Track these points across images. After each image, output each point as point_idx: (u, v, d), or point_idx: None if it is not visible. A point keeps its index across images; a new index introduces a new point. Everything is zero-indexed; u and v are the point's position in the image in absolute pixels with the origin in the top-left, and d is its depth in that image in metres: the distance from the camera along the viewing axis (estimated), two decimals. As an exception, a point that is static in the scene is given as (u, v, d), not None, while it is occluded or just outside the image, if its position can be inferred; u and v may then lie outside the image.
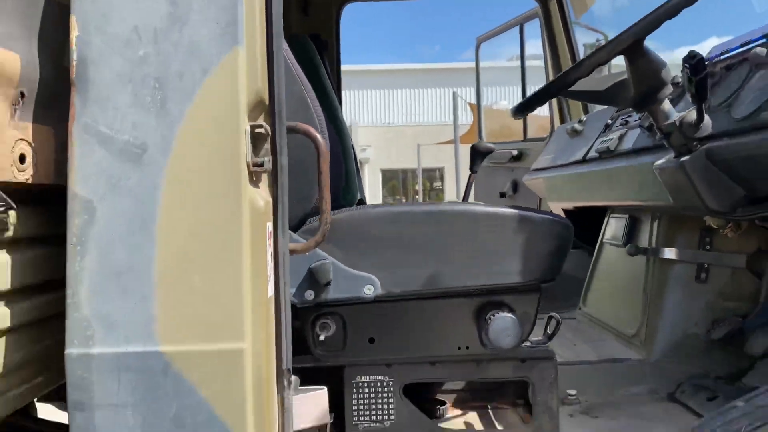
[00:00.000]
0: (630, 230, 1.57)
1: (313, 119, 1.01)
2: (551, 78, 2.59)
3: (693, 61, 0.97)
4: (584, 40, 2.80)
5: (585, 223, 1.99)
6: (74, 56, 0.74)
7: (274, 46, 0.80)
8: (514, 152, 2.82)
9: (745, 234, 1.29)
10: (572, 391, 1.30)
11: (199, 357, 0.73)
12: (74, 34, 0.74)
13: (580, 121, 2.07)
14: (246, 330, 0.73)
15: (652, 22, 1.04)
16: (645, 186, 1.35)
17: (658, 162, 1.22)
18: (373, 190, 18.25)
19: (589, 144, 1.76)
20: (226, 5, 0.75)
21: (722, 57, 1.26)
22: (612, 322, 1.58)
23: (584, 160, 1.73)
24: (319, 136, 0.86)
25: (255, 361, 0.74)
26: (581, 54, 2.43)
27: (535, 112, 2.52)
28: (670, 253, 1.42)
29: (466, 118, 15.41)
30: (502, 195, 2.87)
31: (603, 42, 2.49)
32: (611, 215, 1.75)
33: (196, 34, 0.74)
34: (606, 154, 1.57)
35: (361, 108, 20.80)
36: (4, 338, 0.75)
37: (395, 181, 20.66)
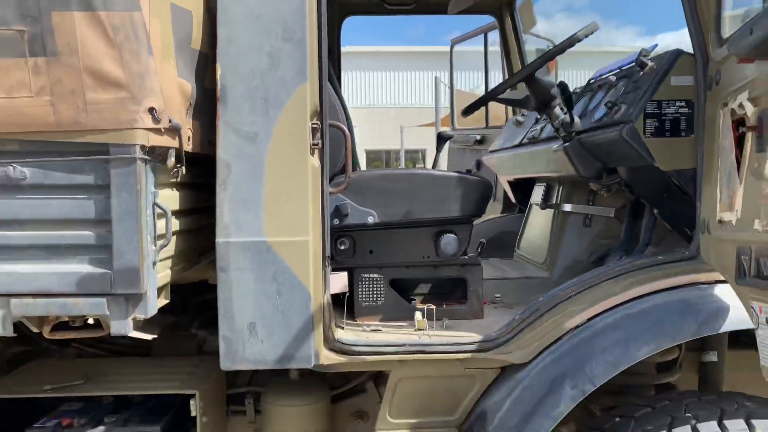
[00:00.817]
0: (545, 193, 2.27)
1: (341, 117, 1.68)
2: (507, 77, 3.26)
3: (561, 87, 1.66)
4: (538, 45, 3.48)
5: (527, 192, 2.69)
6: (218, 85, 1.39)
7: (323, 80, 1.46)
8: (478, 137, 3.49)
9: (614, 195, 1.97)
10: (498, 295, 1.99)
11: (286, 243, 1.40)
12: (218, 72, 1.39)
13: (522, 114, 2.76)
14: (309, 230, 1.41)
15: (541, 60, 1.72)
16: (550, 162, 2.04)
17: (554, 146, 1.92)
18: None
19: (524, 132, 2.45)
20: (299, 58, 1.40)
21: (596, 78, 1.96)
22: (531, 256, 2.29)
23: (520, 144, 2.42)
24: (346, 129, 1.54)
25: (313, 247, 1.42)
26: (528, 60, 3.10)
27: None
28: (567, 208, 2.11)
29: (448, 101, 16.03)
30: (468, 171, 3.56)
31: (550, 47, 3.16)
32: (536, 184, 2.45)
33: (284, 74, 1.40)
34: (532, 141, 2.26)
35: (346, 89, 21.24)
36: (176, 236, 1.41)
37: (379, 161, 21.31)
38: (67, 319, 1.25)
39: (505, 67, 3.22)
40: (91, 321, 1.30)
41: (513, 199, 2.82)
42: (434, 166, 2.62)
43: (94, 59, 1.10)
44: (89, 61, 1.10)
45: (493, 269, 2.27)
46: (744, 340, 1.62)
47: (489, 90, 2.23)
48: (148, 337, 1.91)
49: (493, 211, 3.14)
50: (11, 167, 1.13)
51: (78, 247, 1.18)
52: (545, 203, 2.22)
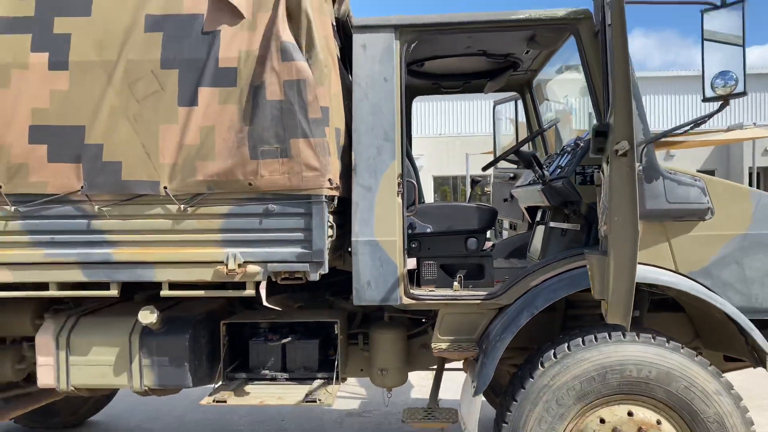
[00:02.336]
0: (542, 215, 3.58)
1: (412, 173, 3.09)
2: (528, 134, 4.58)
3: (534, 157, 3.00)
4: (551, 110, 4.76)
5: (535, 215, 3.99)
6: (354, 162, 2.81)
7: (404, 158, 2.86)
8: (512, 174, 4.81)
9: (576, 217, 3.26)
10: (507, 276, 3.31)
11: (385, 241, 2.78)
12: (353, 156, 2.81)
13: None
14: (396, 234, 2.79)
15: (522, 142, 3.08)
16: (537, 196, 3.36)
17: (538, 187, 3.25)
18: (426, 194, 20.37)
19: (530, 177, 3.77)
20: (392, 148, 2.80)
21: (566, 145, 3.27)
22: (533, 256, 3.60)
23: (528, 184, 3.75)
24: (415, 183, 2.94)
25: (398, 243, 2.80)
26: (543, 121, 4.40)
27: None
28: (552, 224, 3.41)
29: (509, 128, 17.30)
30: (505, 200, 4.87)
31: (568, 108, 4.47)
32: (539, 209, 3.76)
33: (384, 157, 2.80)
34: (531, 183, 3.58)
35: (417, 119, 22.87)
36: (330, 235, 2.83)
37: (446, 186, 22.69)
38: (281, 281, 2.68)
39: (528, 127, 4.54)
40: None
41: (529, 220, 4.13)
42: (469, 199, 3.98)
43: (306, 158, 2.55)
44: (304, 159, 2.55)
45: (509, 264, 3.59)
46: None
47: (502, 152, 3.60)
48: (278, 308, 3.29)
49: (522, 228, 4.45)
50: (270, 205, 2.59)
51: (297, 241, 2.62)
52: (541, 222, 3.54)
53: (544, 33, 3.07)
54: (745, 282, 2.75)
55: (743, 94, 2.30)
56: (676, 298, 2.95)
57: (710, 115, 2.42)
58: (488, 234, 3.76)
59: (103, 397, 4.69)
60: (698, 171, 3.04)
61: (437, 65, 3.76)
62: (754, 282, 2.74)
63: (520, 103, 4.63)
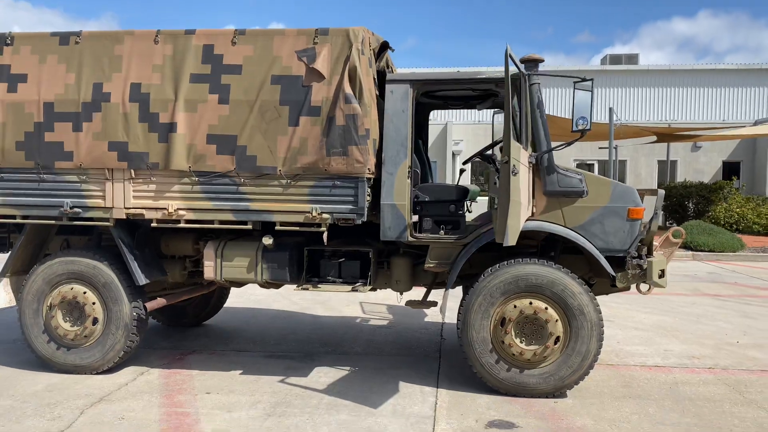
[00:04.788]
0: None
1: (425, 165, 5.19)
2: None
3: (488, 157, 5.05)
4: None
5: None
6: (384, 156, 4.92)
7: (412, 155, 4.95)
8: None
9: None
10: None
11: (400, 204, 4.89)
12: (383, 154, 4.92)
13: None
14: (406, 199, 4.90)
15: (484, 149, 5.13)
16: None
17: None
18: (463, 178, 22.30)
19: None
20: (406, 150, 4.90)
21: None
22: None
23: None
24: (419, 172, 5.04)
25: (408, 206, 4.91)
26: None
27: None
28: (494, 195, 5.45)
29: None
30: (494, 183, 6.89)
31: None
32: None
33: (403, 154, 4.90)
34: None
35: (453, 112, 24.76)
36: (368, 199, 4.96)
37: (487, 168, 24.57)
38: (341, 223, 4.82)
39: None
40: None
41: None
42: (457, 182, 6.05)
43: (356, 157, 4.66)
44: (355, 157, 4.66)
45: (475, 221, 5.65)
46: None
47: (478, 151, 5.64)
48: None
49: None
50: (336, 182, 4.74)
51: (349, 201, 4.73)
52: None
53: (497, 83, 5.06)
54: (605, 234, 4.77)
55: (589, 129, 4.33)
56: (573, 245, 4.97)
57: (572, 142, 4.47)
58: (469, 204, 5.77)
59: (213, 308, 7.03)
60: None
61: (444, 93, 5.80)
62: (609, 234, 4.76)
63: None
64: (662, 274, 4.69)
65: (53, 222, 5.14)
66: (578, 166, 22.11)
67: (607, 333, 6.74)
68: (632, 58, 28.38)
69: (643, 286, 4.96)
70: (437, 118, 22.85)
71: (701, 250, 14.35)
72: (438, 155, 22.44)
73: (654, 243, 4.97)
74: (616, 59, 29.48)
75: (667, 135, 17.53)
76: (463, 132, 23.17)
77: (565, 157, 21.81)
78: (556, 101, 26.72)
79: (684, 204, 18.52)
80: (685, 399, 4.73)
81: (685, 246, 14.46)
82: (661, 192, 4.83)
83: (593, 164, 22.01)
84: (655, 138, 17.84)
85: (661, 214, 4.82)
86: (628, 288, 5.07)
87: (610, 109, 16.06)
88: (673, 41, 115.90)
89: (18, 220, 5.19)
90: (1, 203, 5.11)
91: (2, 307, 5.61)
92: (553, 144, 4.86)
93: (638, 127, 17.14)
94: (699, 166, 23.11)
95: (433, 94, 5.84)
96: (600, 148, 19.98)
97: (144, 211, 4.97)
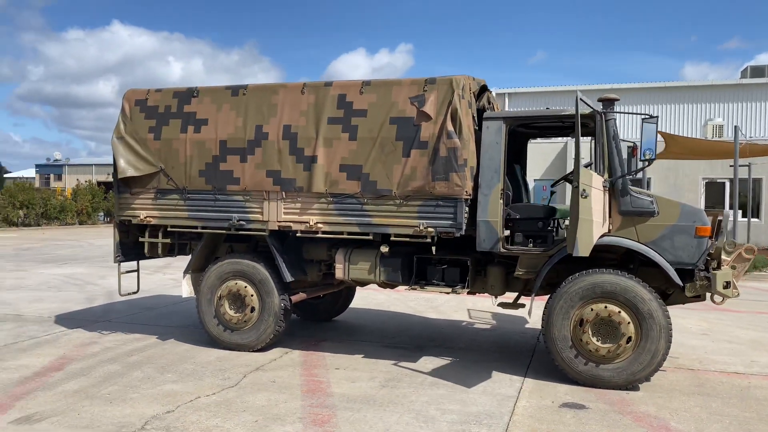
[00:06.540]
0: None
1: (519, 187, 6.17)
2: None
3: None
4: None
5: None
6: (480, 181, 5.93)
7: (504, 177, 5.92)
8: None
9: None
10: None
11: (494, 221, 5.88)
12: (480, 179, 5.94)
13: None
14: (498, 217, 5.87)
15: (566, 175, 5.98)
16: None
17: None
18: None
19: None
20: (499, 175, 5.88)
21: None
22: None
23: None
24: (510, 194, 6.01)
25: (501, 222, 5.87)
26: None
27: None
28: (591, 217, 6.22)
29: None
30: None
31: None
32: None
33: (496, 179, 5.89)
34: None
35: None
36: (465, 216, 6.00)
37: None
38: (443, 236, 5.89)
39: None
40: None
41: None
42: (548, 202, 6.89)
43: (456, 182, 5.73)
44: (455, 182, 5.72)
45: (562, 236, 6.45)
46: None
47: (563, 175, 6.45)
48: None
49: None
50: (439, 202, 5.83)
51: (450, 218, 5.80)
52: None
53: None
54: (674, 249, 5.43)
55: (654, 159, 5.08)
56: (648, 258, 5.66)
57: (640, 169, 5.22)
58: (563, 222, 6.60)
59: (342, 307, 8.37)
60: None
61: (539, 125, 6.70)
62: (678, 249, 5.42)
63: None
64: (727, 285, 5.26)
65: (224, 231, 6.70)
66: (707, 184, 21.40)
67: (697, 344, 7.22)
68: (777, 69, 26.80)
69: (717, 298, 5.53)
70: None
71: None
72: (560, 173, 22.72)
73: (726, 258, 5.54)
74: (758, 71, 27.93)
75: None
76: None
77: (693, 175, 21.24)
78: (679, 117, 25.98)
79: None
80: (752, 399, 5.24)
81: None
82: (728, 212, 5.40)
83: (724, 182, 21.18)
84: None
85: (727, 232, 5.39)
86: (699, 297, 5.65)
87: (736, 128, 15.73)
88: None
89: (199, 230, 6.81)
90: (189, 216, 6.76)
91: (186, 297, 7.26)
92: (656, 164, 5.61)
93: (767, 145, 16.53)
94: None
95: (530, 126, 6.77)
96: (731, 166, 19.31)
97: (291, 224, 6.37)
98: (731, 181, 22.14)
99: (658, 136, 5.13)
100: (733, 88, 27.35)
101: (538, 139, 8.19)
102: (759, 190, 21.73)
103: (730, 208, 16.77)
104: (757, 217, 21.10)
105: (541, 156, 22.51)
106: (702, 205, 20.77)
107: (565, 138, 24.39)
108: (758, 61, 43.00)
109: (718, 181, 22.17)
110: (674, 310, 8.90)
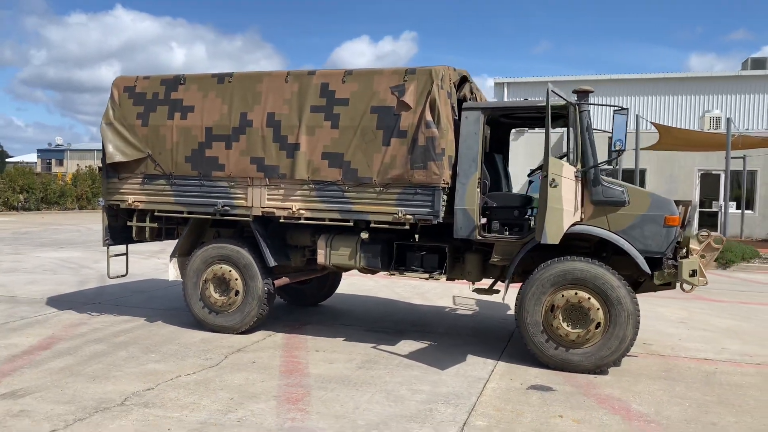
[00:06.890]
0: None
1: (497, 179, 6.30)
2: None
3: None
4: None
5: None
6: (458, 170, 6.08)
7: (482, 168, 6.06)
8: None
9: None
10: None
11: (471, 209, 6.02)
12: (458, 167, 6.08)
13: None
14: (475, 205, 6.01)
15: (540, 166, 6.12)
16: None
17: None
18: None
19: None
20: (476, 165, 6.02)
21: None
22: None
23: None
24: (486, 182, 6.15)
25: (477, 210, 6.02)
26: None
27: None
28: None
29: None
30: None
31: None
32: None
33: (473, 168, 6.03)
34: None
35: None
36: (443, 204, 6.15)
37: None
38: (421, 223, 6.04)
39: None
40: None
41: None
42: (526, 192, 7.02)
43: (434, 170, 5.86)
44: (433, 171, 5.85)
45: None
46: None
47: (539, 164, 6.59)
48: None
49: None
50: (417, 190, 5.96)
51: (427, 206, 5.93)
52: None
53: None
54: (644, 237, 5.57)
55: (624, 150, 5.20)
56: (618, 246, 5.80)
57: (611, 160, 5.35)
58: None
59: (327, 292, 8.54)
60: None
61: (521, 115, 6.82)
62: (647, 238, 5.56)
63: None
64: (693, 274, 5.41)
65: (209, 216, 6.85)
66: (703, 175, 21.48)
67: (672, 331, 7.38)
68: (777, 60, 26.78)
69: (686, 286, 5.68)
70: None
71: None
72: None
73: (696, 247, 5.68)
74: (758, 63, 27.88)
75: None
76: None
77: (688, 167, 21.32)
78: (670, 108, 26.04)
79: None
80: (716, 384, 5.41)
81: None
82: (695, 203, 5.54)
83: (719, 174, 21.26)
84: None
85: (694, 223, 5.54)
86: (669, 285, 5.80)
87: (729, 119, 15.80)
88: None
89: (185, 215, 6.97)
90: (175, 202, 6.91)
91: (172, 280, 7.43)
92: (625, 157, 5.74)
93: (760, 138, 16.60)
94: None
95: (512, 116, 6.89)
96: (732, 158, 19.37)
97: (275, 210, 6.52)
98: (730, 171, 22.25)
99: (627, 128, 5.26)
100: (733, 79, 27.32)
101: (536, 129, 8.27)
102: (754, 182, 21.82)
103: (723, 199, 16.89)
104: (751, 209, 21.22)
105: (539, 147, 22.58)
106: (697, 197, 20.88)
107: (562, 129, 24.72)
108: (764, 52, 42.74)
109: (714, 172, 22.25)
110: (656, 299, 9.09)
